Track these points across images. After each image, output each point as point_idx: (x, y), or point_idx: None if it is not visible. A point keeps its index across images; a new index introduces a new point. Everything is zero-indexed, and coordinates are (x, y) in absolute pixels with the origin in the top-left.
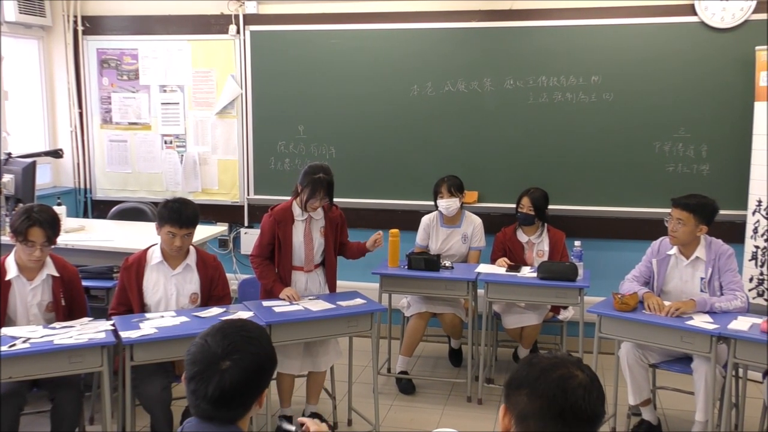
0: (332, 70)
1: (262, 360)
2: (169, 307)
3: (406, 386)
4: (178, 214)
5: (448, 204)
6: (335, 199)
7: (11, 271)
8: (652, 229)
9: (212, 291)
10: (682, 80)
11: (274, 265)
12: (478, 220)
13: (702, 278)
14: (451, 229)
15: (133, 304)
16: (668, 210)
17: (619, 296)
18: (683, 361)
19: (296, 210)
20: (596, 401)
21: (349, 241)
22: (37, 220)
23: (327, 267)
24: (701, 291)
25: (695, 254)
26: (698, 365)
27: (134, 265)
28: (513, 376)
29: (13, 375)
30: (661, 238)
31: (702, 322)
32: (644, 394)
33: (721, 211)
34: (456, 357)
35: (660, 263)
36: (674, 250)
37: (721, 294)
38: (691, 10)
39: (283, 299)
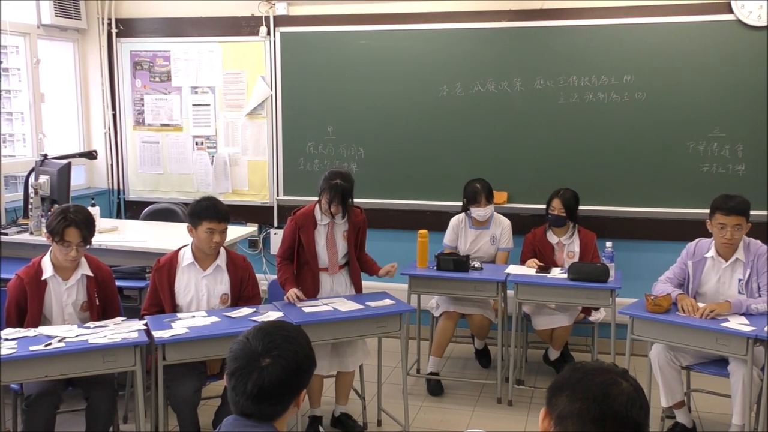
0: (361, 71)
1: (301, 359)
2: (200, 307)
3: (435, 387)
4: (215, 209)
5: (485, 213)
6: (362, 200)
7: (47, 271)
8: (686, 230)
9: (242, 291)
10: (716, 79)
11: (292, 266)
12: (506, 222)
13: (740, 280)
14: (479, 231)
15: (164, 304)
16: (704, 210)
17: (652, 298)
18: (718, 364)
19: (318, 214)
20: (639, 411)
21: (365, 253)
22: (73, 221)
23: (351, 268)
24: (739, 293)
25: (735, 256)
26: (735, 368)
27: (166, 266)
28: (555, 380)
29: (49, 374)
30: (696, 240)
31: (738, 324)
32: (677, 396)
33: (759, 212)
34: (485, 357)
35: (696, 265)
36: (712, 252)
37: (759, 296)
38: (727, 8)
39: (287, 299)
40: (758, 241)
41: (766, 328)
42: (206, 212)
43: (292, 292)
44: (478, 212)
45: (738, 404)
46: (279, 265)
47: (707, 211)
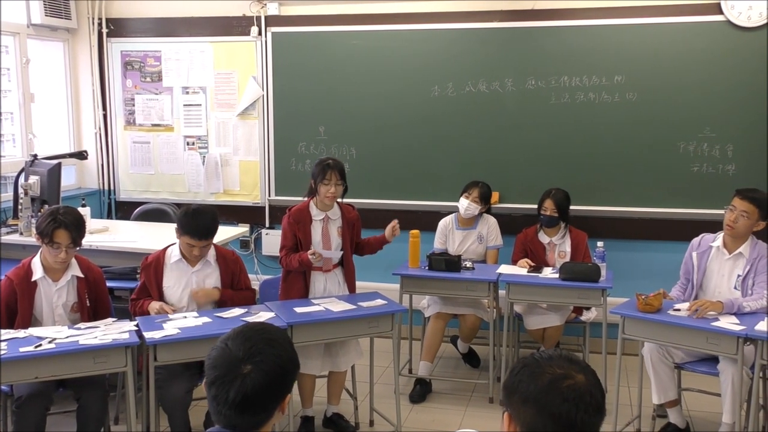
0: (353, 71)
1: (285, 363)
2: (191, 302)
3: (416, 396)
4: (196, 228)
5: (467, 206)
6: (354, 200)
7: (37, 272)
8: (677, 229)
9: (235, 286)
10: (707, 80)
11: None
12: (492, 219)
13: (739, 275)
14: (466, 231)
15: (154, 300)
16: (695, 210)
17: (643, 297)
18: (709, 362)
19: (313, 210)
20: (600, 399)
21: (363, 238)
22: (62, 222)
23: (345, 267)
24: (735, 288)
25: (739, 250)
26: (724, 367)
27: (152, 263)
28: (515, 386)
29: (39, 375)
30: (701, 235)
31: (728, 323)
32: (670, 394)
33: None
34: (473, 358)
35: (701, 256)
36: (718, 242)
37: (751, 294)
38: (716, 9)
39: (313, 257)
40: (765, 244)
41: (756, 327)
42: (187, 228)
43: (311, 250)
44: (463, 203)
45: (728, 403)
46: (285, 257)
47: (698, 210)
